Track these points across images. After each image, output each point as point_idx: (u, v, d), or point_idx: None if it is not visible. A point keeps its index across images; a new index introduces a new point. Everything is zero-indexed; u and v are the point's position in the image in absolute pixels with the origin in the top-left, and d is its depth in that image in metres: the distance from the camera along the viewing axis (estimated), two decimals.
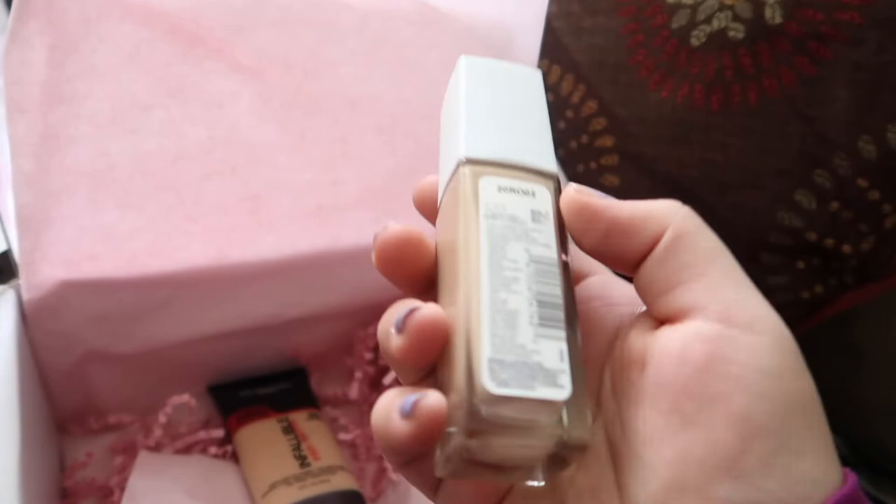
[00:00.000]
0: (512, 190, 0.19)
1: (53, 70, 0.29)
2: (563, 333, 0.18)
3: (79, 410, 0.40)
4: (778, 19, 0.35)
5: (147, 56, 0.31)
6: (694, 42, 0.37)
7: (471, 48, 0.38)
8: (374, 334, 0.43)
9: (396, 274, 0.20)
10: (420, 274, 0.20)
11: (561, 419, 0.17)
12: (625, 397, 0.19)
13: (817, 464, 0.17)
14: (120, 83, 0.30)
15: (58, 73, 0.29)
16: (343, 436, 0.41)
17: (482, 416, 0.16)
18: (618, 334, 0.20)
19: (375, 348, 0.43)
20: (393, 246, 0.19)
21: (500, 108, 0.20)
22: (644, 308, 0.19)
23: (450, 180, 0.20)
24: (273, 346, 0.43)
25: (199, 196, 0.34)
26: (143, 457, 0.37)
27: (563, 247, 0.19)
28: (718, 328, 0.17)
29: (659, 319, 0.19)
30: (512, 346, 0.17)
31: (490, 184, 0.19)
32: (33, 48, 0.28)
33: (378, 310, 0.45)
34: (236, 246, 0.36)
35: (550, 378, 0.17)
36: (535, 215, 0.19)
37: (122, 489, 0.36)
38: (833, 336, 0.44)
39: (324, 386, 0.44)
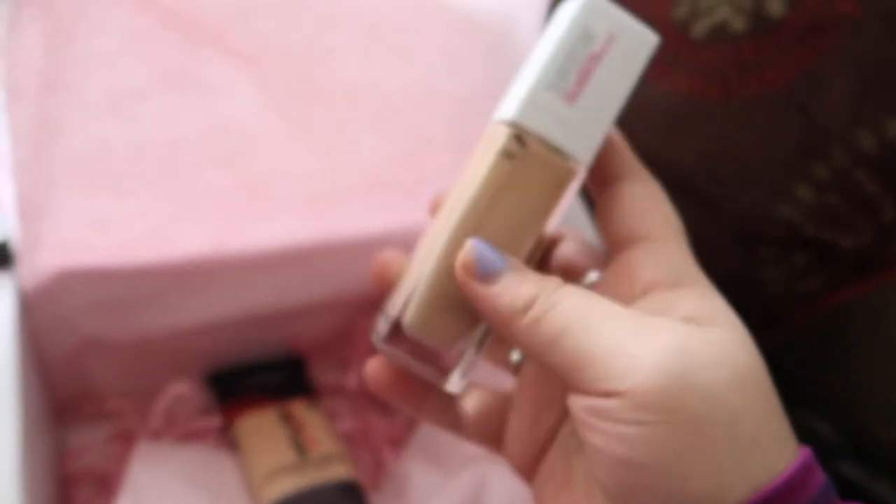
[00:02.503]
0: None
1: (50, 57, 0.29)
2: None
3: (76, 398, 0.40)
4: (780, 11, 0.35)
5: (144, 43, 0.31)
6: (695, 33, 0.37)
7: (470, 35, 0.38)
8: (373, 324, 0.43)
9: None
10: None
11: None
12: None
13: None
14: (116, 71, 0.30)
15: (55, 60, 0.29)
16: (341, 425, 0.41)
17: (401, 332, 0.21)
18: None
19: None
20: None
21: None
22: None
23: (493, 125, 0.21)
24: (270, 335, 0.43)
25: (196, 184, 0.34)
26: (142, 445, 0.37)
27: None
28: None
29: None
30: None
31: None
32: (31, 35, 0.28)
33: (376, 299, 0.45)
34: (234, 235, 0.36)
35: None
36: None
37: (120, 476, 0.36)
38: (829, 330, 0.44)
39: (321, 375, 0.44)
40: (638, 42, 0.21)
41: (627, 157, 0.22)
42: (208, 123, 0.33)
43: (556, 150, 0.20)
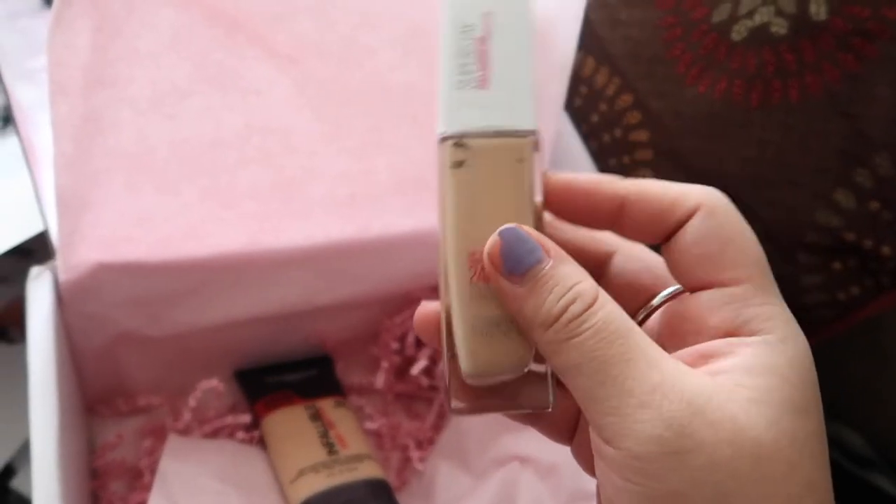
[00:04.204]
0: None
1: (96, 53, 0.29)
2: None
3: (108, 392, 0.40)
4: (823, 15, 0.35)
5: (187, 42, 0.31)
6: (735, 37, 0.37)
7: None
8: (401, 324, 0.43)
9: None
10: None
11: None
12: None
13: None
14: (160, 68, 0.30)
15: (101, 56, 0.29)
16: (368, 425, 0.41)
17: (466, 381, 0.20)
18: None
19: (402, 338, 0.43)
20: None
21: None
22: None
23: (436, 146, 0.21)
24: (300, 333, 0.43)
25: (234, 182, 0.34)
26: (173, 440, 0.37)
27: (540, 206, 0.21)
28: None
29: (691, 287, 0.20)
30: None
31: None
32: (77, 31, 0.28)
33: (405, 299, 0.45)
34: (268, 233, 0.36)
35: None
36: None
37: (152, 471, 0.36)
38: (863, 339, 0.43)
39: (349, 374, 0.44)
40: (513, 4, 0.21)
41: (665, 190, 0.20)
42: (248, 122, 0.33)
43: (497, 134, 0.20)
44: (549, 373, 0.20)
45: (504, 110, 0.20)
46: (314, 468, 0.37)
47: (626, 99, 0.41)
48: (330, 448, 0.38)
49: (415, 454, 0.40)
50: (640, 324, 0.21)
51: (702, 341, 0.19)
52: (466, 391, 0.21)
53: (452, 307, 0.20)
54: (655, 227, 0.20)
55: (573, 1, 0.36)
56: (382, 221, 0.38)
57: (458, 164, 0.20)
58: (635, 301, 0.21)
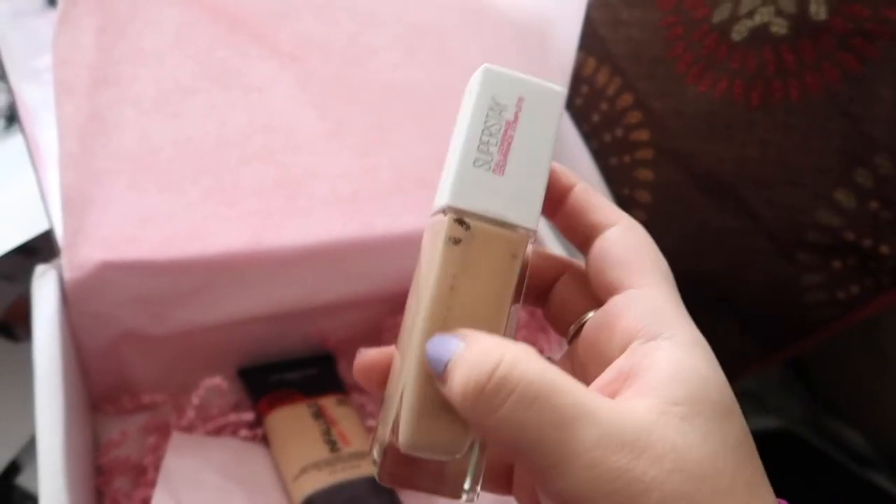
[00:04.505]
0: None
1: (101, 53, 0.29)
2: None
3: (112, 390, 0.40)
4: (823, 15, 0.35)
5: (191, 41, 0.31)
6: (735, 37, 0.37)
7: (510, 37, 0.38)
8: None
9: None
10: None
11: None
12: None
13: None
14: (164, 67, 0.31)
15: (106, 55, 0.29)
16: (371, 422, 0.42)
17: (399, 451, 0.20)
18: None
19: None
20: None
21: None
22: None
23: (434, 215, 0.21)
24: (302, 331, 0.43)
25: (237, 181, 0.35)
26: (177, 437, 0.37)
27: (516, 297, 0.20)
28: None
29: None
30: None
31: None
32: (82, 30, 0.28)
33: (406, 298, 0.45)
34: (272, 231, 0.37)
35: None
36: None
37: (156, 468, 0.37)
38: (861, 339, 0.44)
39: (351, 373, 0.44)
40: (547, 97, 0.21)
41: (600, 205, 0.21)
42: (251, 120, 0.33)
43: (499, 223, 0.20)
44: (471, 465, 0.20)
45: (514, 201, 0.20)
46: (316, 465, 0.37)
47: (626, 98, 0.42)
48: (332, 445, 0.38)
49: None
50: (571, 340, 0.22)
51: (616, 345, 0.20)
52: (398, 459, 0.20)
53: (406, 379, 0.20)
54: (583, 226, 0.22)
55: (574, 1, 0.36)
56: (385, 219, 0.39)
57: (455, 241, 0.20)
58: (572, 317, 0.22)
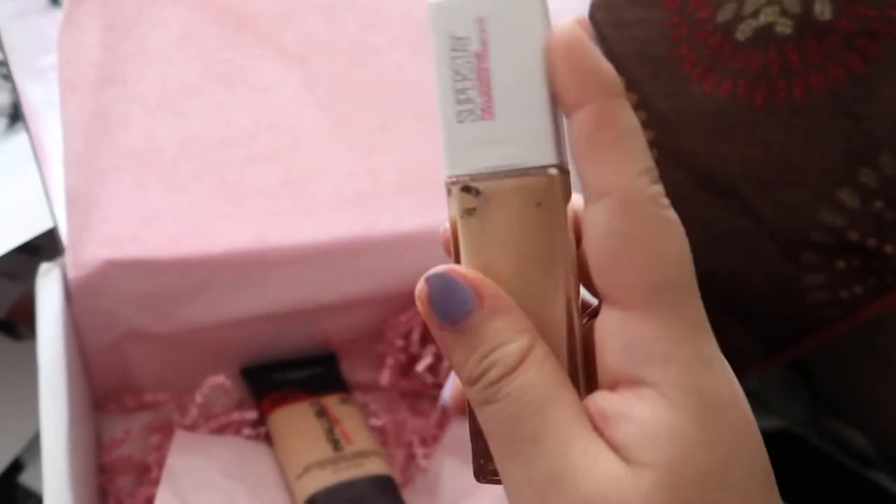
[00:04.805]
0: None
1: (107, 51, 0.29)
2: None
3: (116, 388, 0.40)
4: (827, 15, 0.35)
5: (196, 40, 0.31)
6: (739, 36, 0.37)
7: None
8: (407, 321, 0.43)
9: None
10: None
11: None
12: None
13: None
14: (170, 66, 0.31)
15: (111, 54, 0.29)
16: (373, 421, 0.42)
17: None
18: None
19: (407, 335, 0.44)
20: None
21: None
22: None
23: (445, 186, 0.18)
24: (305, 330, 0.43)
25: (242, 180, 0.35)
26: (180, 436, 0.37)
27: (564, 250, 0.17)
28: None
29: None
30: None
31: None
32: (87, 29, 0.28)
33: (411, 297, 0.44)
34: (276, 230, 0.37)
35: None
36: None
37: (159, 466, 0.37)
38: (865, 339, 0.44)
39: (354, 371, 0.45)
40: (517, 5, 0.17)
41: (603, 151, 0.16)
42: (256, 120, 0.33)
43: (508, 173, 0.17)
44: None
45: (516, 143, 0.17)
46: (320, 464, 0.37)
47: (631, 98, 0.41)
48: (335, 444, 0.38)
49: (419, 451, 0.40)
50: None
51: (603, 374, 0.17)
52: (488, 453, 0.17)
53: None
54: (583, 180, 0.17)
55: (576, 1, 0.36)
56: (389, 219, 0.39)
57: (469, 213, 0.17)
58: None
